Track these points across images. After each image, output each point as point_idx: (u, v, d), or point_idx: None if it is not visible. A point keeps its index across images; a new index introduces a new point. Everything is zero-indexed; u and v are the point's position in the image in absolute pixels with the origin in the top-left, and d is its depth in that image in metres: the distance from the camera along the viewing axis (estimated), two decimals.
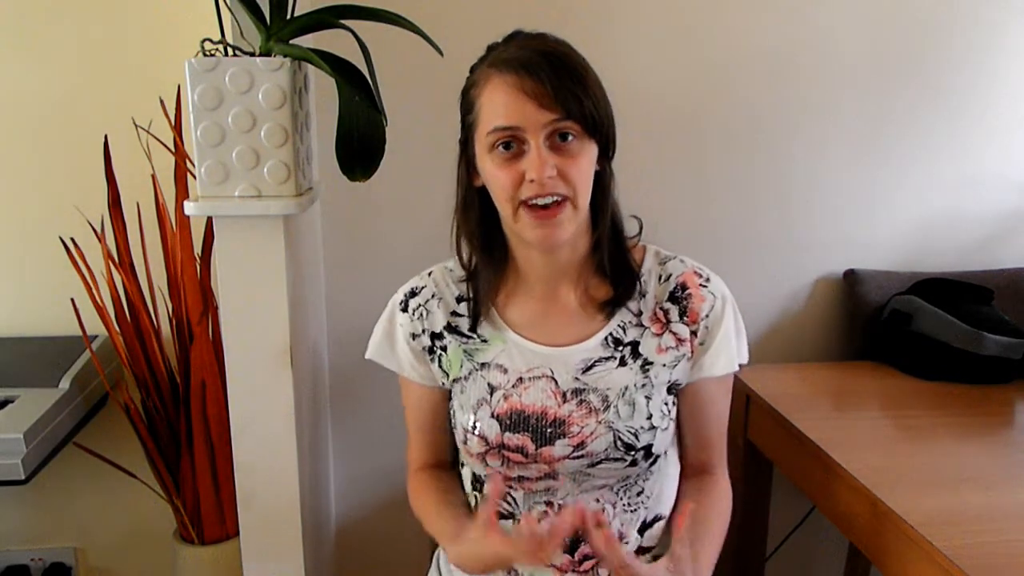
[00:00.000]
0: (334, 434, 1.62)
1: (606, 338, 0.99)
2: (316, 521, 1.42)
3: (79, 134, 1.55)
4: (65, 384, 1.47)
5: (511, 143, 0.90)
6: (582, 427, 0.96)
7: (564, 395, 0.97)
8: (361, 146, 1.03)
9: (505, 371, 1.00)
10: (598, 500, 1.00)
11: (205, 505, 1.49)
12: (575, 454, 0.96)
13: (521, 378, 0.99)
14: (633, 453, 0.96)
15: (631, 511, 1.01)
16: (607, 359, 0.99)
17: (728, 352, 1.00)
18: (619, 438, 0.95)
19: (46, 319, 1.65)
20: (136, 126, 1.48)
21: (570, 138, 0.90)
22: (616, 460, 0.96)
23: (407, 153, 1.34)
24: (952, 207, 1.68)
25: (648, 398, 0.97)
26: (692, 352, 1.00)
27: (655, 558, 1.03)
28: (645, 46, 1.53)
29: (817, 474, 1.25)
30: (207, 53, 1.06)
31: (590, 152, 0.92)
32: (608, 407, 0.96)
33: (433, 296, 1.05)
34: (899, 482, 1.12)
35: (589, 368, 0.98)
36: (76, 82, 1.58)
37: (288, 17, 1.07)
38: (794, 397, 1.45)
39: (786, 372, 1.60)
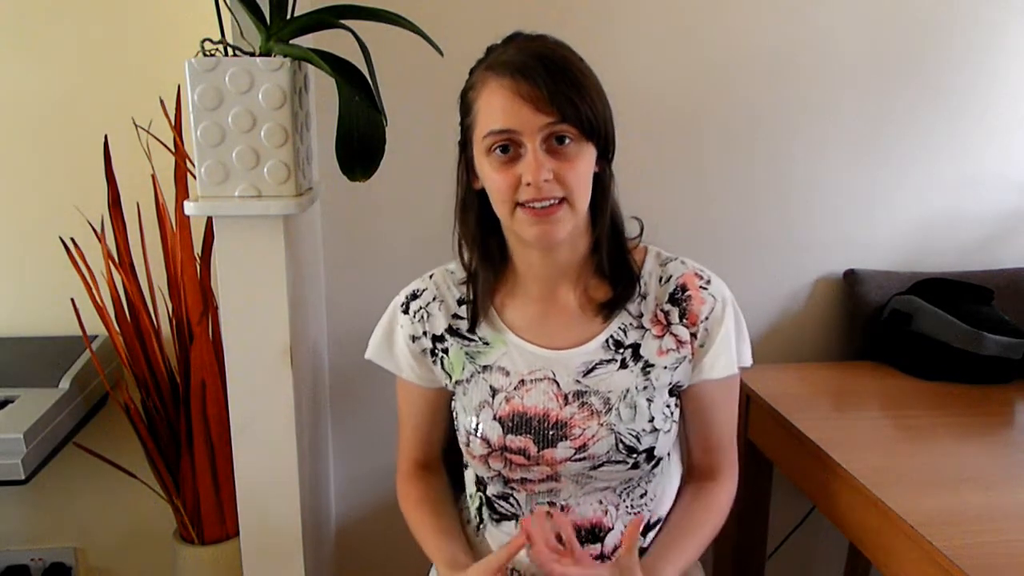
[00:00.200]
0: (334, 434, 1.62)
1: (607, 340, 0.99)
2: (316, 521, 1.42)
3: (79, 134, 1.54)
4: (65, 384, 1.47)
5: (508, 146, 0.90)
6: (584, 429, 0.96)
7: (566, 397, 0.98)
8: (361, 146, 1.03)
9: (507, 373, 1.00)
10: (601, 502, 1.00)
11: (205, 505, 1.49)
12: (577, 456, 0.96)
13: (523, 380, 0.99)
14: (635, 456, 0.96)
15: (634, 513, 1.01)
16: (608, 361, 0.99)
17: (728, 354, 1.00)
18: (621, 440, 0.95)
19: (46, 319, 1.65)
20: (136, 126, 1.48)
21: (567, 141, 0.89)
22: (618, 463, 0.96)
23: (407, 153, 1.34)
24: (952, 207, 1.68)
25: (650, 400, 0.97)
26: (692, 354, 1.00)
27: None
28: (645, 46, 1.53)
29: (817, 474, 1.25)
30: (207, 53, 1.06)
31: (588, 155, 0.92)
32: (610, 409, 0.96)
33: (434, 299, 1.05)
34: (899, 482, 1.12)
35: (590, 371, 0.98)
36: (76, 82, 1.58)
37: (288, 17, 1.07)
38: (794, 397, 1.45)
39: (786, 372, 1.60)
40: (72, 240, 1.45)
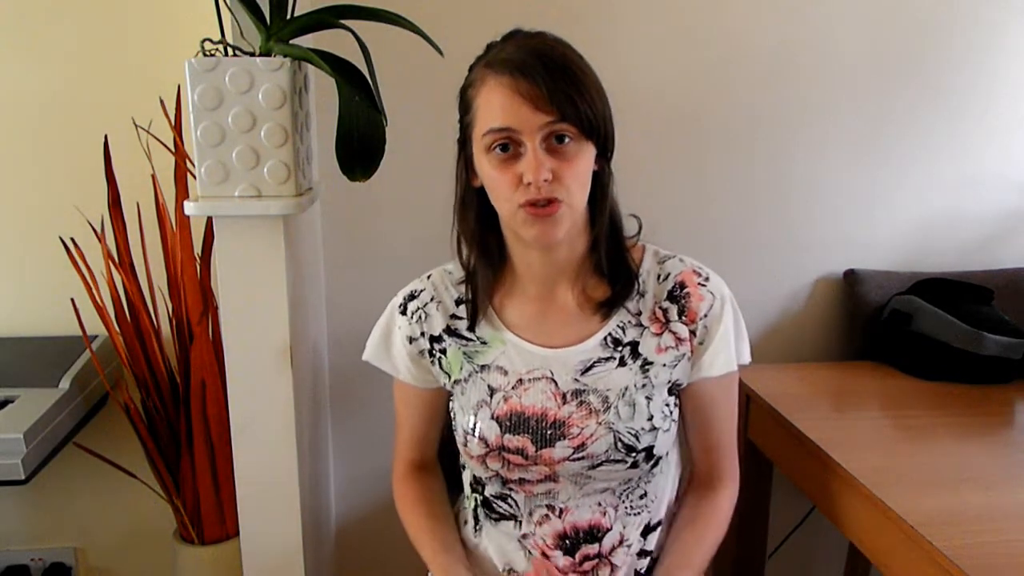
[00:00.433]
0: (334, 434, 1.62)
1: (605, 338, 0.99)
2: (316, 521, 1.42)
3: (79, 134, 1.55)
4: (65, 384, 1.47)
5: (508, 145, 0.89)
6: (582, 428, 0.96)
7: (564, 396, 0.97)
8: (361, 146, 1.03)
9: (505, 373, 1.00)
10: (599, 504, 1.00)
11: (205, 505, 1.49)
12: (575, 456, 0.96)
13: (521, 379, 0.99)
14: (634, 455, 0.96)
15: (634, 514, 1.01)
16: (606, 359, 0.98)
17: (727, 351, 1.00)
18: (619, 439, 0.95)
19: (46, 319, 1.65)
20: (136, 126, 1.48)
21: (566, 140, 0.89)
22: (617, 462, 0.96)
23: (407, 153, 1.34)
24: (952, 207, 1.68)
25: (648, 399, 0.97)
26: (692, 351, 1.00)
27: (654, 561, 1.03)
28: (645, 46, 1.53)
29: (817, 474, 1.25)
30: (207, 53, 1.06)
31: (587, 153, 0.92)
32: (608, 408, 0.96)
33: (432, 299, 1.05)
34: (899, 482, 1.12)
35: (588, 369, 0.98)
36: (76, 82, 1.58)
37: (288, 17, 1.07)
38: (794, 397, 1.45)
39: (786, 372, 1.60)
40: (72, 240, 1.45)
